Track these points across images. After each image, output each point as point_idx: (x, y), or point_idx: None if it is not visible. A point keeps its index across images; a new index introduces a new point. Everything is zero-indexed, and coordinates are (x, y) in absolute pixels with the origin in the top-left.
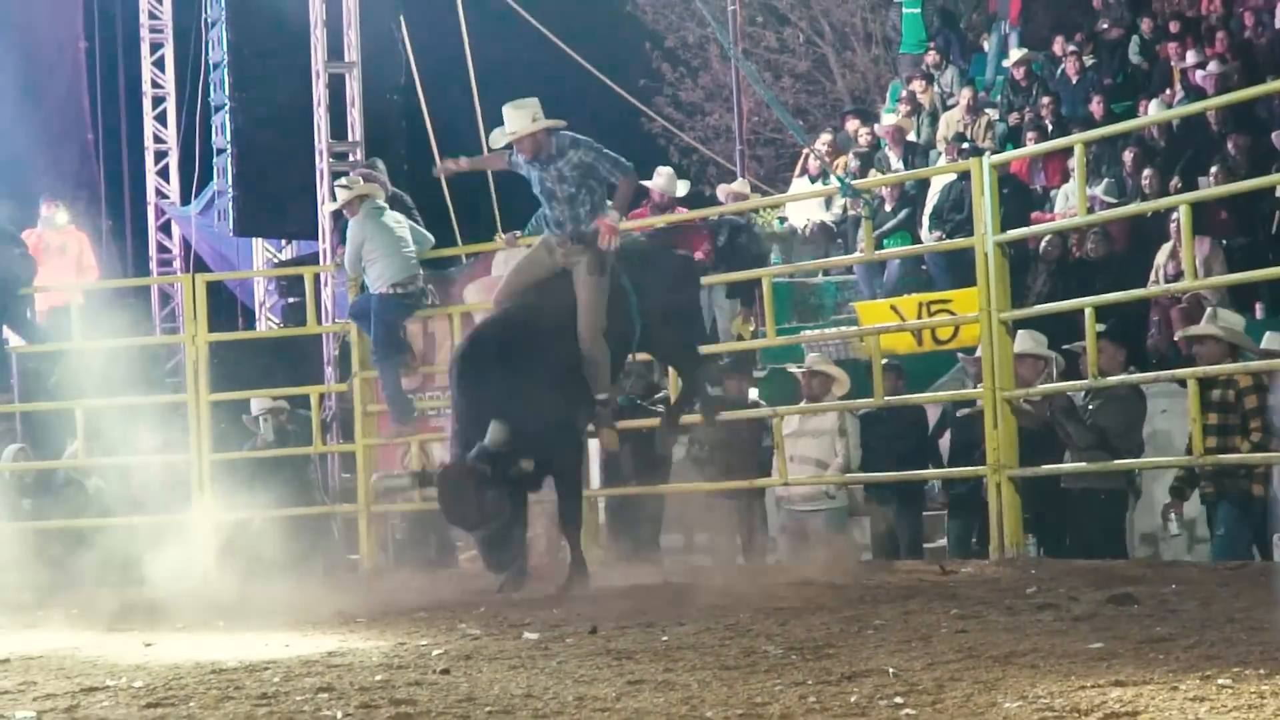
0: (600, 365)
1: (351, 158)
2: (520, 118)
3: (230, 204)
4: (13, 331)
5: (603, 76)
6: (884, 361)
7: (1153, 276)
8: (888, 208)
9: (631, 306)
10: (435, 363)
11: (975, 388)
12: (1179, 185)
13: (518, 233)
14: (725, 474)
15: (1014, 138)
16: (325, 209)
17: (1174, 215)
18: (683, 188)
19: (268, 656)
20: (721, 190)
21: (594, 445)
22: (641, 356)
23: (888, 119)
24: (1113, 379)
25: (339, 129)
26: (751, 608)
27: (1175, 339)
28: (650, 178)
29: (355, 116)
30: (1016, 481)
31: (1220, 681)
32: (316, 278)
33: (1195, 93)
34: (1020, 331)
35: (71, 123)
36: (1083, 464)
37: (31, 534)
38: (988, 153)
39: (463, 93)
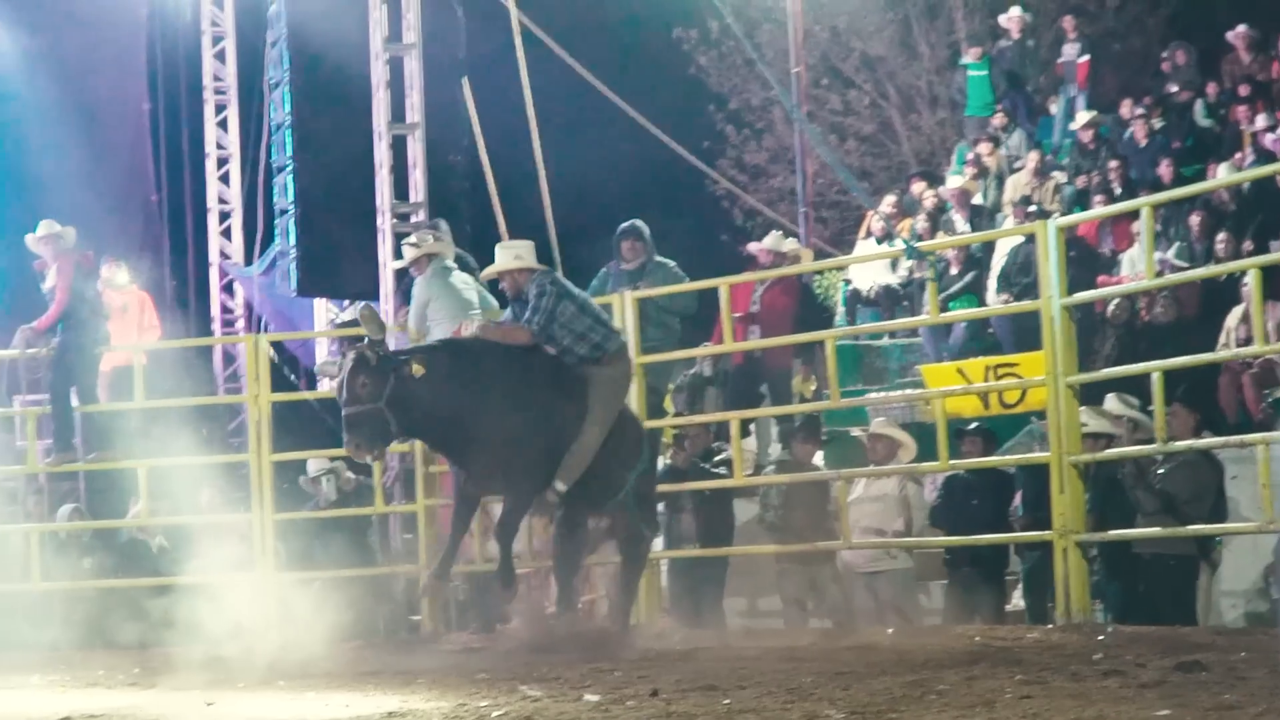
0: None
1: (414, 218)
2: (507, 257)
3: (293, 264)
4: (79, 397)
5: (666, 138)
6: (973, 425)
7: (1222, 340)
8: (953, 270)
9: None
10: None
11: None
12: (1250, 249)
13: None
14: (793, 537)
15: (1081, 200)
16: (390, 267)
17: (1245, 279)
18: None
19: (328, 717)
20: (757, 248)
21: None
22: (698, 419)
23: (953, 181)
24: (1180, 444)
25: (401, 190)
26: (814, 671)
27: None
28: (713, 237)
29: (418, 178)
30: (1084, 547)
31: None
32: None
33: (1265, 156)
34: (1108, 396)
35: (135, 183)
36: (1152, 529)
37: (93, 593)
38: (1054, 215)
39: (526, 155)
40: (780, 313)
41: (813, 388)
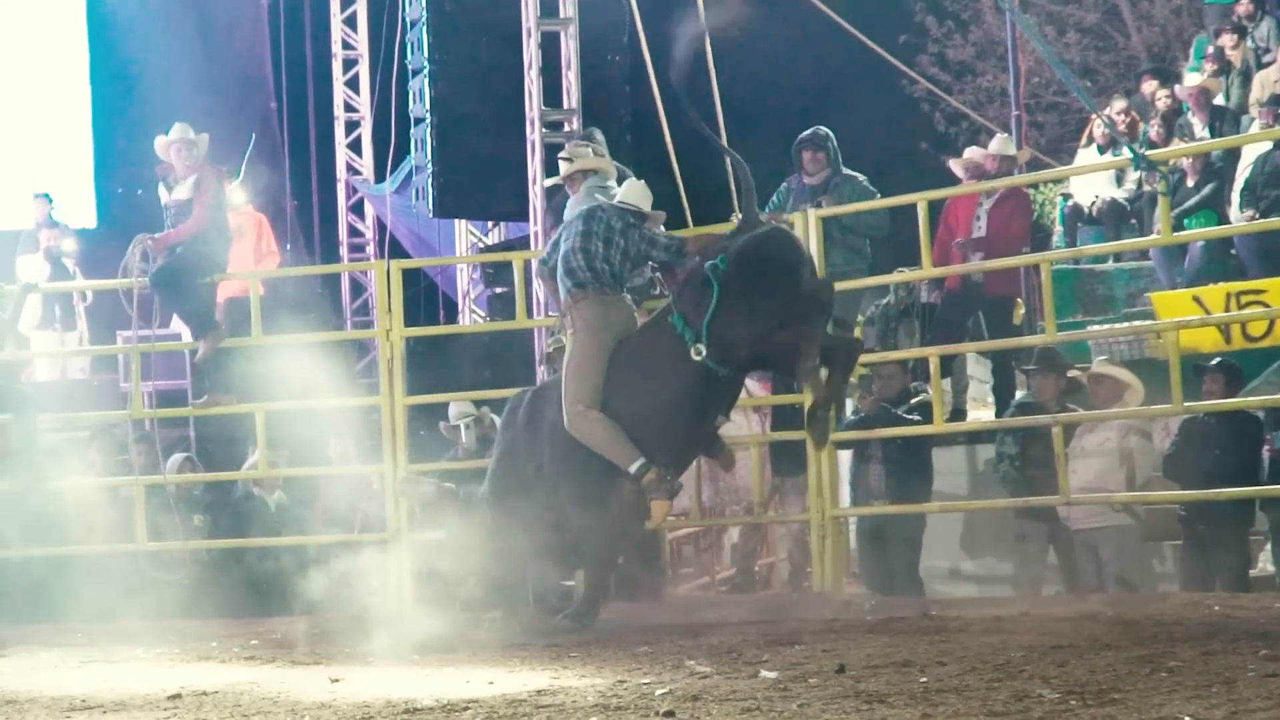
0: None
1: (567, 128)
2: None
3: (430, 181)
4: (188, 325)
5: (857, 33)
6: (1214, 362)
7: None
8: (1190, 182)
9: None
10: None
11: None
12: None
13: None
14: (1029, 490)
15: None
16: (540, 184)
17: None
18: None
19: (469, 695)
20: (975, 153)
21: (843, 458)
22: (891, 356)
23: (1191, 79)
24: None
25: (553, 96)
26: (1025, 645)
27: None
28: (910, 146)
29: (571, 81)
30: None
31: None
32: (527, 265)
33: None
34: None
35: (252, 89)
36: None
37: (206, 554)
38: None
39: (695, 55)
40: (1013, 238)
41: (1021, 312)
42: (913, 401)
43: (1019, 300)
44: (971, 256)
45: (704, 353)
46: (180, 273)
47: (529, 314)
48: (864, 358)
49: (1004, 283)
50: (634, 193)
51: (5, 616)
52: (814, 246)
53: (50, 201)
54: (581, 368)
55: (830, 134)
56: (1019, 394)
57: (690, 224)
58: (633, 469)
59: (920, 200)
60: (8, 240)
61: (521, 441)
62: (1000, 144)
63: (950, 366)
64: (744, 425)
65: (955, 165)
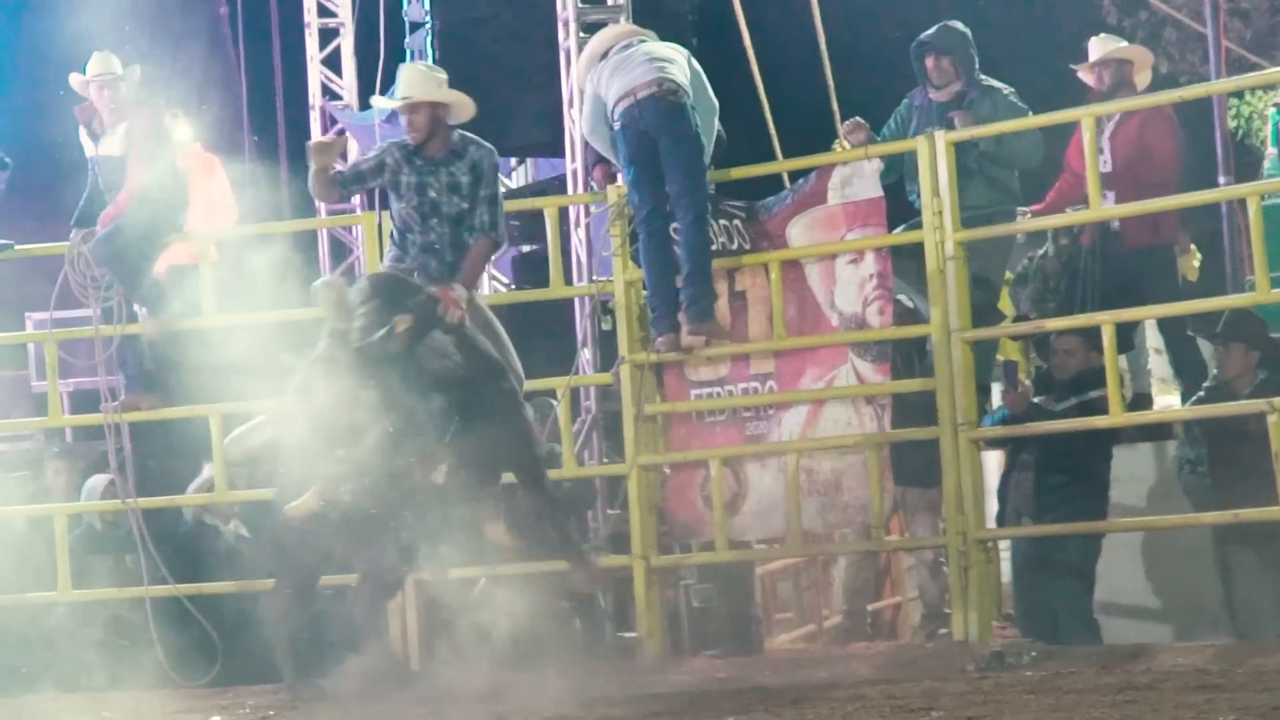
0: None
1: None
2: (422, 80)
3: None
4: (136, 301)
5: None
6: None
7: None
8: None
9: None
10: (749, 336)
11: None
12: None
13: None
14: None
15: None
16: (576, 109)
17: None
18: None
19: None
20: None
21: (990, 463)
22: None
23: None
24: None
25: None
26: (1239, 707)
27: None
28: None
29: None
30: None
31: None
32: (563, 214)
33: None
34: None
35: None
36: None
37: (150, 604)
38: None
39: None
40: (1157, 166)
41: (1196, 263)
42: (1092, 394)
43: (1191, 248)
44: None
45: None
46: (126, 246)
47: (567, 279)
48: (1015, 328)
49: (1146, 229)
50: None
51: None
52: (945, 179)
53: None
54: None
55: (964, 31)
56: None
57: (779, 153)
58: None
59: (1085, 116)
60: None
61: None
62: (1100, 45)
63: (1128, 339)
64: (855, 421)
65: (1084, 72)
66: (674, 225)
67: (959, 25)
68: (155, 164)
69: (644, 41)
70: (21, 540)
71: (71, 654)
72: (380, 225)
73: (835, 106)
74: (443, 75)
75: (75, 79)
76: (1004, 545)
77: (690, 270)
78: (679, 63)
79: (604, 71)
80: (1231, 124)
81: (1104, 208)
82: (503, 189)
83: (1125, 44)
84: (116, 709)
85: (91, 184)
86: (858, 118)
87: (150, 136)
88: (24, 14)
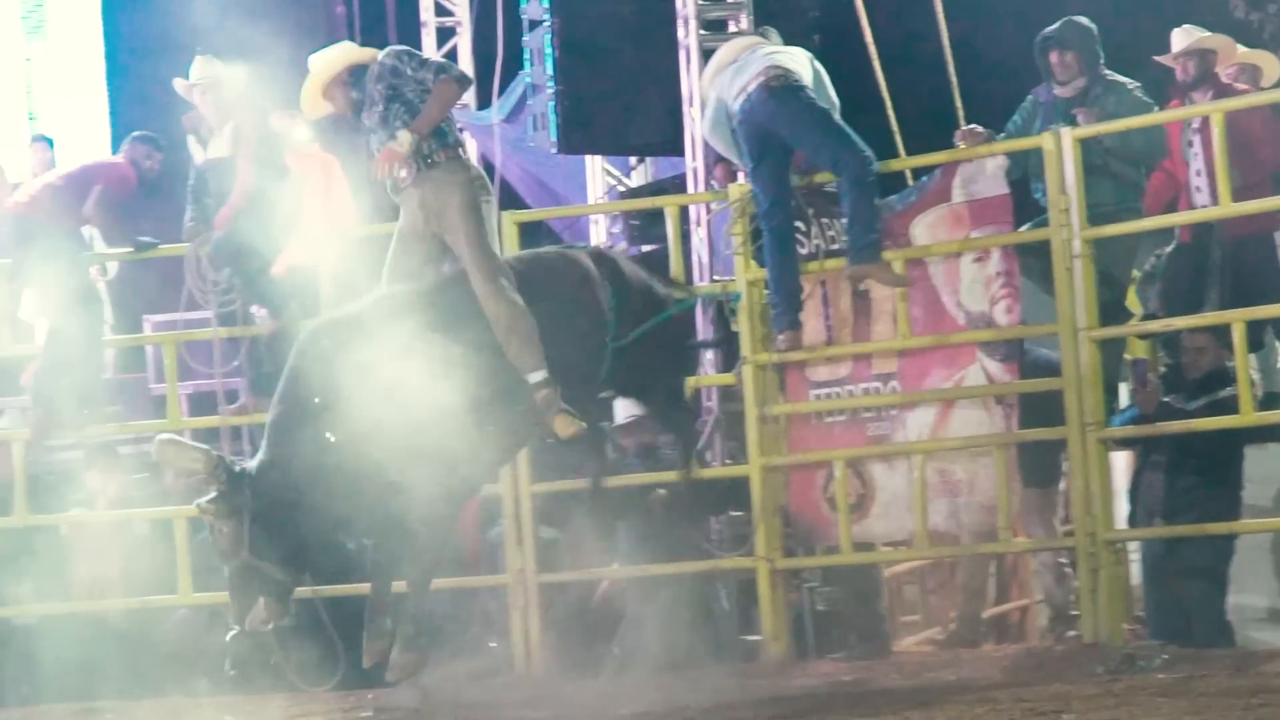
0: (517, 329)
1: (732, 28)
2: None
3: (552, 105)
4: (256, 303)
5: None
6: None
7: None
8: None
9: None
10: (872, 336)
11: None
12: None
13: (979, 127)
14: None
15: None
16: (697, 107)
17: None
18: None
19: None
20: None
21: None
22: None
23: None
24: None
25: None
26: None
27: None
28: None
29: None
30: None
31: None
32: (683, 213)
33: None
34: None
35: None
36: None
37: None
38: None
39: None
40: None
41: None
42: (1223, 393)
43: None
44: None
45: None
46: (242, 247)
47: (688, 279)
48: (1143, 326)
49: (1246, 220)
50: None
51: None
52: (1071, 176)
53: (51, 146)
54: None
55: (1089, 26)
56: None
57: (901, 151)
58: (534, 378)
59: (1214, 111)
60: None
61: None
62: (1183, 36)
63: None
64: (985, 421)
65: (1168, 62)
66: (797, 222)
67: (1083, 20)
68: (264, 164)
69: (766, 46)
70: (144, 543)
71: (193, 657)
72: (500, 226)
73: (959, 103)
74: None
75: (179, 84)
76: (1133, 547)
77: (851, 217)
78: (798, 59)
79: (726, 75)
80: None
81: (1232, 205)
82: (623, 186)
83: (1208, 34)
84: (238, 713)
85: (198, 189)
86: (974, 126)
87: (257, 137)
88: (141, 13)
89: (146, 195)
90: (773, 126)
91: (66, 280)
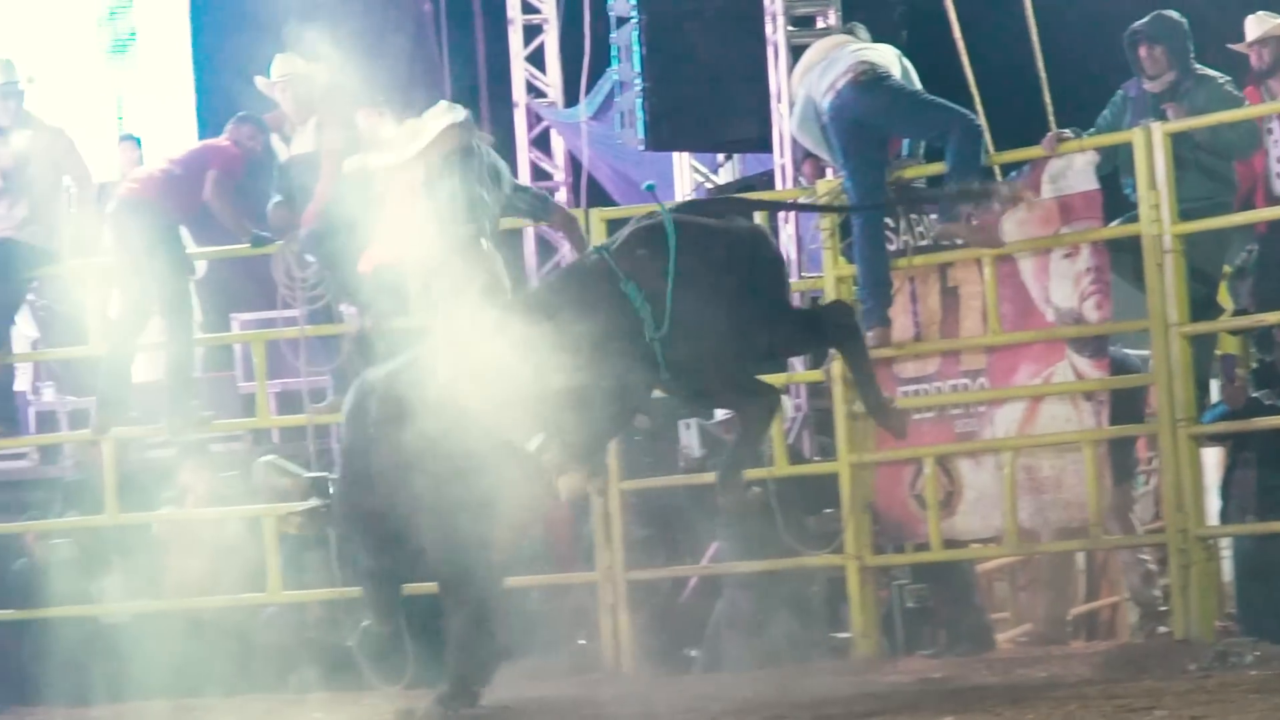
0: None
1: (821, 24)
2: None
3: (640, 102)
4: (344, 301)
5: None
6: None
7: None
8: None
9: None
10: (961, 332)
11: None
12: None
13: (1067, 132)
14: None
15: None
16: (785, 103)
17: None
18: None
19: None
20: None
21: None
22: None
23: None
24: None
25: None
26: None
27: None
28: None
29: None
30: None
31: None
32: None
33: None
34: None
35: None
36: None
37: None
38: None
39: None
40: None
41: None
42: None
43: None
44: None
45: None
46: (327, 244)
47: None
48: (1234, 322)
49: None
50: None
51: (107, 692)
52: (1161, 171)
53: (140, 146)
54: None
55: (1178, 20)
56: None
57: (990, 147)
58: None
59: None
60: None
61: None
62: (1257, 24)
63: None
64: (1074, 417)
65: (1244, 49)
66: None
67: (1173, 14)
68: (349, 160)
69: (854, 44)
70: (234, 540)
71: (280, 655)
72: (588, 225)
73: (1048, 99)
74: None
75: (261, 82)
76: (1225, 543)
77: (953, 168)
78: (886, 56)
79: (814, 73)
80: None
81: None
82: (711, 183)
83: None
84: (322, 711)
85: (283, 187)
86: (1062, 130)
87: (339, 131)
88: (227, 11)
89: (250, 176)
90: (867, 119)
91: (166, 271)
